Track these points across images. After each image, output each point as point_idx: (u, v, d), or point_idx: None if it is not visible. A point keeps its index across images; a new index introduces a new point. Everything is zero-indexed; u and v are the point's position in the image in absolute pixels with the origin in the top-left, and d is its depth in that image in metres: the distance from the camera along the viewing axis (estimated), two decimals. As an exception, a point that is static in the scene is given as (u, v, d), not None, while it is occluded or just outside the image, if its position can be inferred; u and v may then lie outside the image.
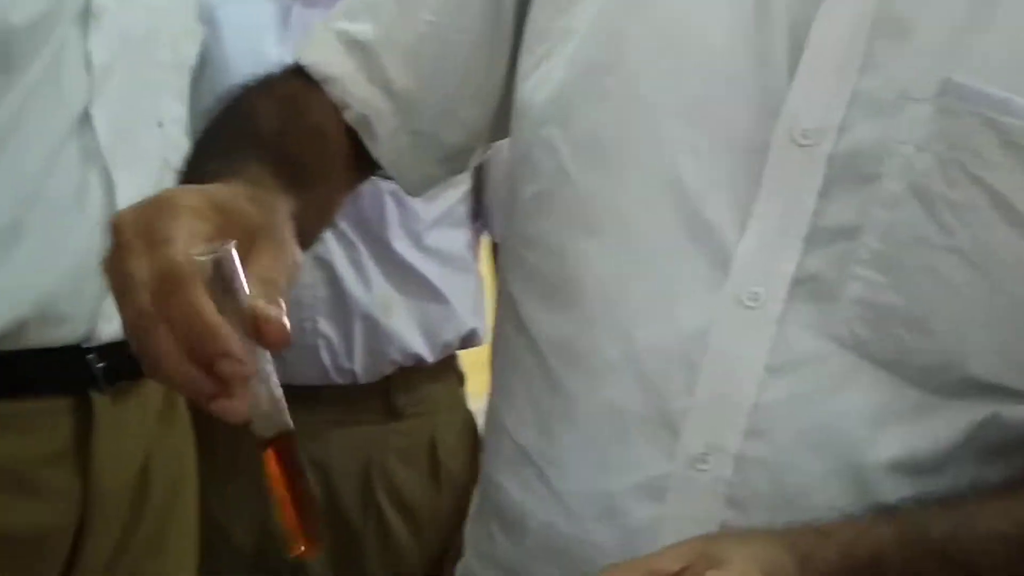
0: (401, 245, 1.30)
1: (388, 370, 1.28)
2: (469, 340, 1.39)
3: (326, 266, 1.30)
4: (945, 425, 0.70)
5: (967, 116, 0.69)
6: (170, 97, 1.11)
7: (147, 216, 0.60)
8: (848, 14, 0.71)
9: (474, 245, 1.38)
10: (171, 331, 0.57)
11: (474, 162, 0.87)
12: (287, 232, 0.64)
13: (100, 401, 1.01)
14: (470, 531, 0.83)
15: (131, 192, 1.01)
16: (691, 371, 0.69)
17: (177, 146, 1.08)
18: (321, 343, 1.30)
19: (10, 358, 0.97)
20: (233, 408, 0.58)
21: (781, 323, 0.69)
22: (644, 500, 0.68)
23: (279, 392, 0.60)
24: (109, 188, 1.01)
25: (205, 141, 0.79)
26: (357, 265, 1.27)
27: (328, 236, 1.31)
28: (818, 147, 0.69)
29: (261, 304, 0.58)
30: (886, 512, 0.66)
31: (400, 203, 1.30)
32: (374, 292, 1.28)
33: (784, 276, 0.69)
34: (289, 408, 1.20)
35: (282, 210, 0.65)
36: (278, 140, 0.77)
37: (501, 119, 0.83)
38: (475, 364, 1.35)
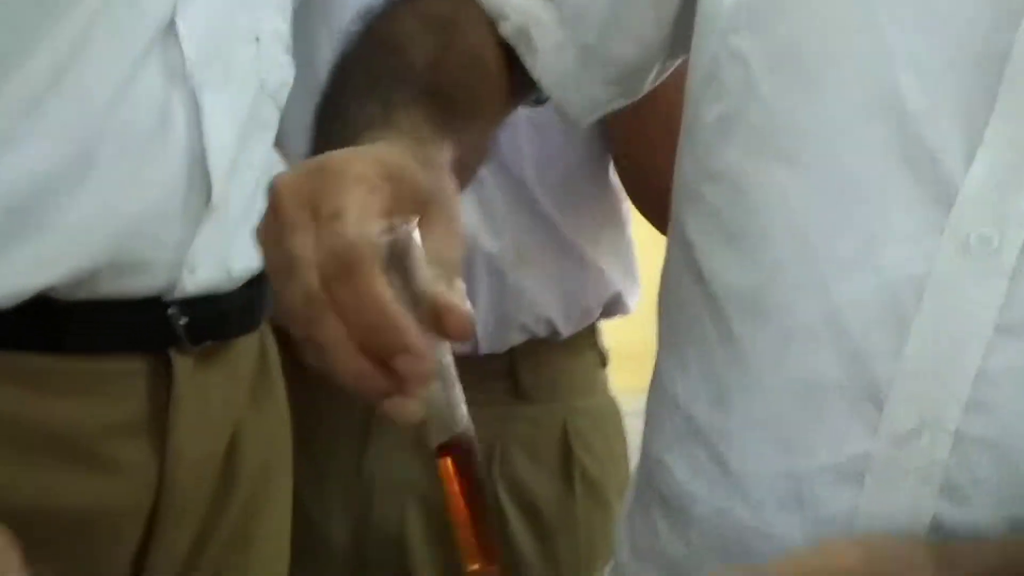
0: (538, 189, 1.21)
1: (516, 339, 1.20)
2: (613, 306, 1.30)
3: None
4: None
5: None
6: (269, 8, 1.06)
7: (312, 185, 0.59)
8: None
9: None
10: (343, 319, 0.57)
11: (649, 85, 0.86)
12: (456, 199, 0.64)
13: (182, 363, 0.98)
14: (625, 524, 0.82)
15: (221, 118, 0.99)
16: (901, 329, 0.67)
17: (276, 66, 1.05)
18: None
19: (80, 309, 0.94)
20: (408, 409, 0.58)
21: (1017, 275, 0.66)
22: (838, 485, 0.66)
23: (459, 391, 0.60)
24: (195, 114, 0.96)
25: (349, 72, 0.79)
26: (486, 207, 1.19)
27: None
28: None
29: (443, 291, 0.58)
30: None
31: (541, 137, 1.22)
32: (504, 242, 1.19)
33: (1022, 216, 0.65)
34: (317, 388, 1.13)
35: (446, 168, 0.66)
36: (432, 74, 0.76)
37: (681, 31, 0.81)
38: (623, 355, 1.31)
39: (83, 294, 0.93)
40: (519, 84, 0.83)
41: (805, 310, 0.70)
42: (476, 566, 0.62)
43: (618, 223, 1.32)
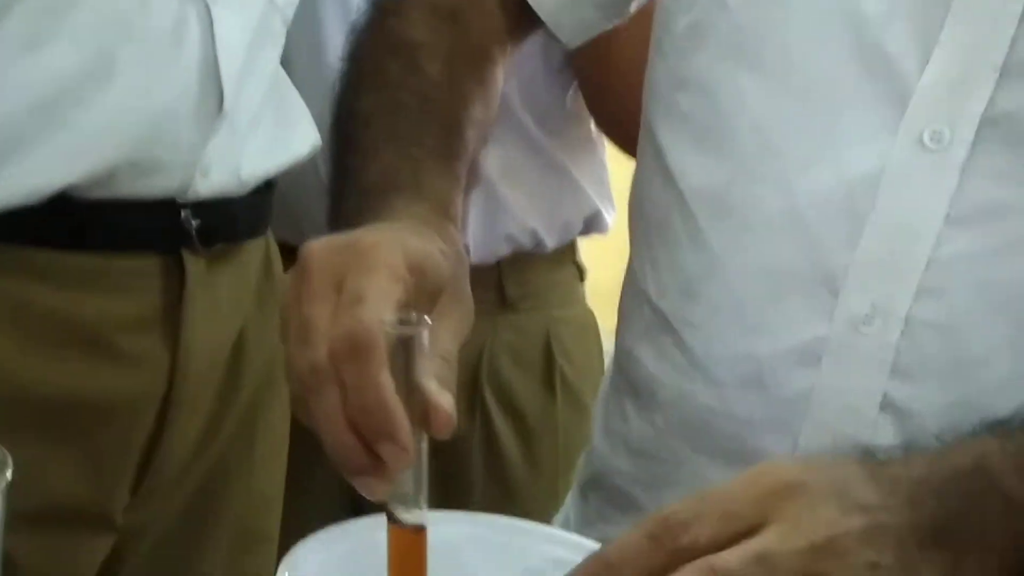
0: (522, 111, 1.26)
1: (503, 251, 1.25)
2: (593, 223, 1.33)
3: None
4: None
5: None
6: None
7: (341, 260, 0.62)
8: None
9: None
10: (341, 394, 0.59)
11: (635, 6, 0.88)
12: (467, 284, 0.67)
13: (193, 263, 1.01)
14: (599, 412, 0.84)
15: (232, 29, 1.02)
16: (857, 221, 0.69)
17: None
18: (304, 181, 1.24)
19: (99, 209, 0.97)
20: (378, 489, 0.60)
21: (966, 169, 0.68)
22: (796, 366, 0.68)
23: (424, 481, 0.62)
24: (208, 24, 0.99)
25: (363, 79, 0.82)
26: None
27: None
28: None
29: (434, 389, 0.60)
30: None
31: (523, 66, 1.25)
32: (491, 158, 1.21)
33: (973, 115, 0.67)
34: None
35: (461, 246, 0.69)
36: (448, 95, 0.80)
37: None
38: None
39: (102, 193, 0.96)
40: (520, 21, 0.86)
41: (767, 205, 0.72)
42: None
43: (594, 146, 1.36)
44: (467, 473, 1.26)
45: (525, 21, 0.87)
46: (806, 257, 0.70)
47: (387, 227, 0.68)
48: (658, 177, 0.79)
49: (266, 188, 1.07)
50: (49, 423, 0.97)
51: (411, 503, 0.62)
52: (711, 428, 0.74)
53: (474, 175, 0.80)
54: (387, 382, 0.59)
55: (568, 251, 1.35)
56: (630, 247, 0.83)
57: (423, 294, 0.64)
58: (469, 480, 1.27)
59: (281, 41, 1.09)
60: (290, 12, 1.09)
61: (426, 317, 0.62)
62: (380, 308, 0.60)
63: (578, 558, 0.63)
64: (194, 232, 1.00)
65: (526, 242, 1.25)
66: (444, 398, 0.61)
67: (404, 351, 0.61)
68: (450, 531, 0.69)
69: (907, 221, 0.69)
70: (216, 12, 0.99)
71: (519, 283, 1.27)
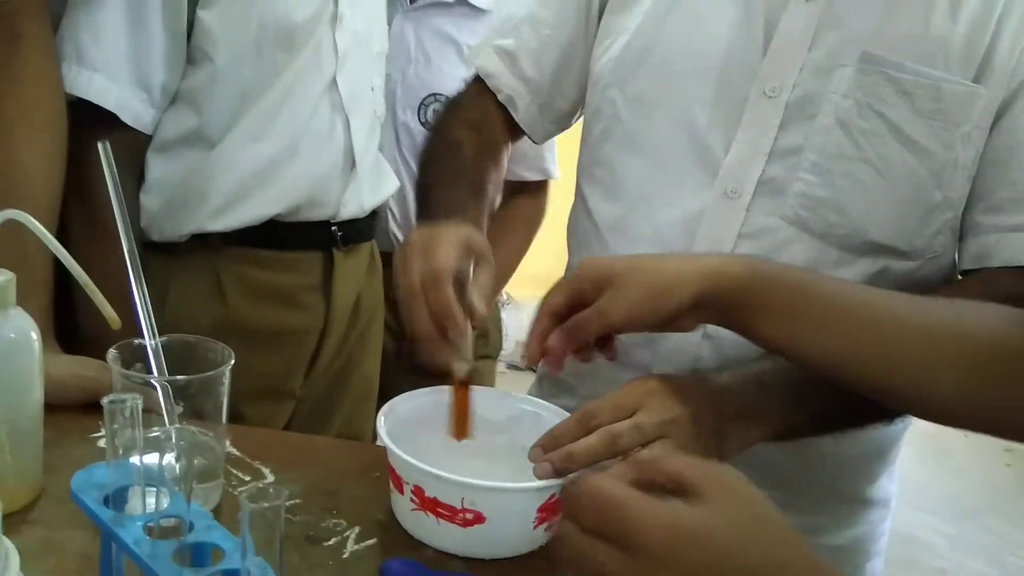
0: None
1: None
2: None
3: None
4: (854, 273, 0.86)
5: (876, 75, 0.81)
6: (377, 73, 1.39)
7: (426, 241, 0.79)
8: (803, 14, 0.84)
9: None
10: (427, 306, 0.77)
11: (574, 121, 1.09)
12: (492, 257, 0.83)
13: (338, 255, 1.34)
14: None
15: (359, 129, 1.30)
16: (691, 238, 0.88)
17: (380, 103, 1.38)
18: (386, 211, 1.53)
19: (290, 226, 1.28)
20: (447, 355, 0.77)
21: (750, 208, 0.86)
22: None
23: (471, 352, 0.79)
24: (347, 126, 1.30)
25: (432, 164, 0.97)
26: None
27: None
28: (779, 97, 0.83)
29: (477, 300, 0.78)
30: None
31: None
32: None
33: (753, 179, 0.85)
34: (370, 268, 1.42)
35: (485, 238, 0.83)
36: (476, 165, 0.96)
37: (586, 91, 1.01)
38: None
39: (292, 219, 1.26)
40: (513, 129, 1.06)
41: (643, 229, 0.89)
42: (454, 436, 0.80)
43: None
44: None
45: (516, 129, 1.06)
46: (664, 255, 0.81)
47: (450, 223, 0.81)
48: (582, 214, 0.97)
49: (374, 214, 1.40)
50: (264, 341, 1.27)
51: (464, 365, 0.79)
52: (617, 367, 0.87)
53: (491, 214, 0.95)
54: (450, 295, 0.74)
55: None
56: (568, 253, 1.03)
57: (470, 256, 0.78)
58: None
59: (379, 132, 1.39)
60: (382, 114, 1.40)
61: (470, 264, 0.76)
62: (446, 260, 0.75)
63: (543, 412, 0.82)
64: (338, 238, 1.33)
65: None
66: (480, 306, 0.75)
67: (459, 282, 0.75)
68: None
69: (718, 237, 0.84)
70: (351, 118, 1.29)
71: None
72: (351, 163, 1.31)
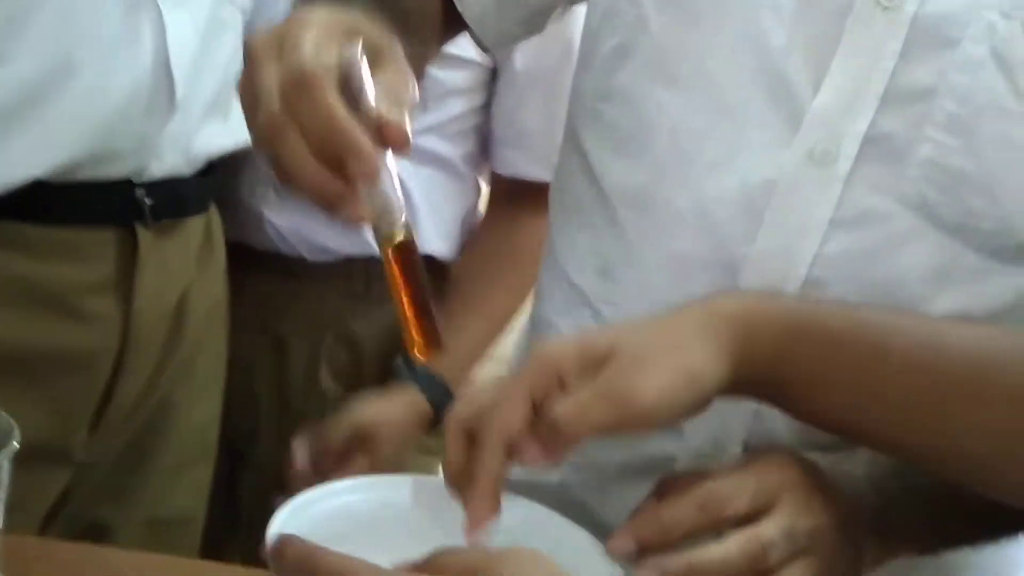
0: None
1: (337, 258, 1.22)
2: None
3: None
4: (1000, 288, 0.71)
5: None
6: None
7: (279, 32, 0.61)
8: None
9: (472, 162, 1.29)
10: (301, 133, 0.58)
11: (552, 22, 0.88)
12: (403, 55, 0.64)
13: (145, 235, 1.06)
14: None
15: (183, 30, 1.03)
16: (755, 220, 0.71)
17: None
18: (268, 212, 1.25)
19: (63, 188, 1.00)
20: (357, 210, 0.59)
21: (849, 181, 0.70)
22: None
23: (400, 197, 0.60)
24: (160, 27, 1.02)
25: None
26: None
27: None
28: (901, 9, 0.69)
29: (384, 107, 0.59)
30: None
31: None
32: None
33: (856, 134, 0.69)
34: (250, 270, 1.21)
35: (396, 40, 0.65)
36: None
37: None
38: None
39: (66, 179, 0.99)
40: (450, 20, 0.85)
41: (680, 203, 0.74)
42: (419, 353, 0.63)
43: (455, 176, 1.31)
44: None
45: (456, 22, 0.86)
46: (711, 248, 0.71)
47: (323, 6, 0.65)
48: (580, 175, 0.81)
49: (211, 170, 1.10)
50: (19, 372, 1.01)
51: (395, 218, 0.61)
52: None
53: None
54: (337, 103, 0.58)
55: None
56: (550, 230, 0.86)
57: (359, 47, 0.62)
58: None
59: (238, 29, 1.10)
60: (246, 8, 1.09)
61: (358, 46, 0.59)
62: (317, 51, 0.59)
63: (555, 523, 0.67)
64: (147, 209, 1.04)
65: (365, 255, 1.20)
66: (393, 112, 0.59)
67: (347, 80, 0.59)
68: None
69: (798, 222, 0.71)
70: (168, 15, 1.00)
71: (366, 281, 1.22)
72: (169, 89, 1.04)
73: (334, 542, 0.61)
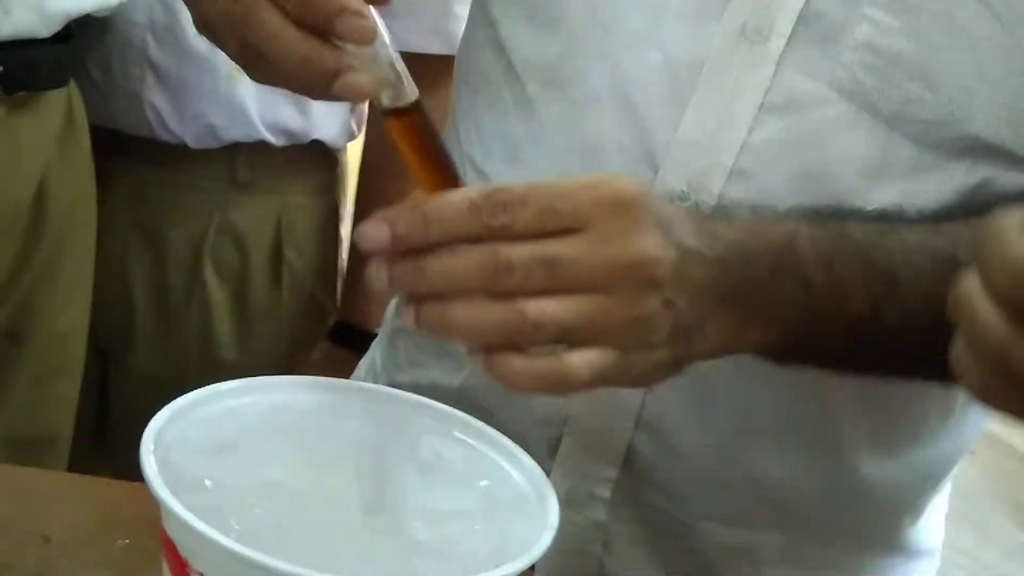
0: None
1: (221, 144, 1.12)
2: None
3: (170, 10, 1.12)
4: (938, 185, 0.68)
5: None
6: None
7: None
8: None
9: None
10: (274, 5, 0.54)
11: None
12: None
13: None
14: None
15: None
16: (679, 104, 0.67)
17: None
18: (147, 93, 1.14)
19: None
20: (358, 82, 0.55)
21: (781, 62, 0.67)
22: None
23: (398, 59, 0.56)
24: None
25: None
26: None
27: None
28: None
29: None
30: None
31: None
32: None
33: (791, 11, 0.66)
34: (120, 159, 1.11)
35: None
36: None
37: None
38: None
39: None
40: None
41: (596, 80, 0.70)
42: (431, 189, 0.58)
43: None
44: (184, 349, 1.17)
45: None
46: (629, 133, 0.68)
47: None
48: (488, 48, 0.77)
49: (70, 37, 1.01)
50: None
51: (397, 84, 0.58)
52: None
53: None
54: None
55: (316, 147, 1.20)
56: (454, 111, 0.81)
57: None
58: (186, 360, 1.18)
59: None
60: None
61: None
62: None
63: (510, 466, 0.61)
64: None
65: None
66: None
67: None
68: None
69: (725, 106, 0.68)
70: None
71: (250, 168, 1.15)
72: None
73: (220, 451, 0.58)
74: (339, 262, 1.23)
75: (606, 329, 0.54)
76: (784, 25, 0.66)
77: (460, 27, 1.15)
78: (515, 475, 0.60)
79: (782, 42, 0.67)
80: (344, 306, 1.21)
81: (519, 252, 0.53)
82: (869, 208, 0.65)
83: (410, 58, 1.16)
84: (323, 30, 0.54)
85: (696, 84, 0.67)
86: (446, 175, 0.57)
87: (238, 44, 0.55)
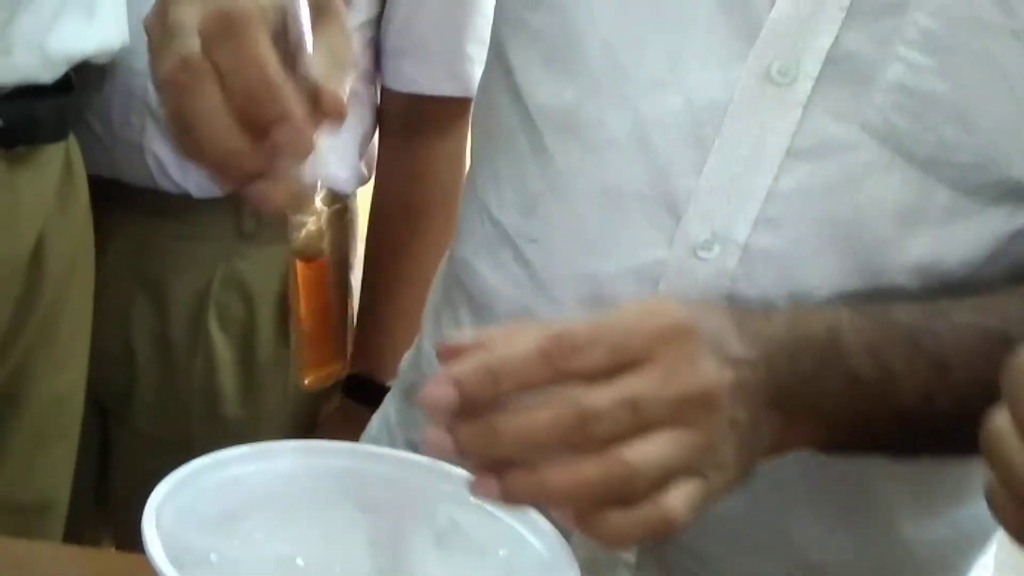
0: None
1: (225, 193, 1.12)
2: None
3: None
4: (976, 232, 0.66)
5: None
6: None
7: None
8: None
9: (368, 79, 1.19)
10: (221, 84, 0.52)
11: None
12: (346, 12, 0.59)
13: None
14: (430, 317, 0.81)
15: None
16: (702, 149, 0.66)
17: None
18: (148, 142, 1.13)
19: None
20: (270, 194, 0.53)
21: (809, 105, 0.66)
22: (634, 287, 0.66)
23: (320, 187, 0.56)
24: None
25: None
26: None
27: None
28: None
29: (324, 71, 0.54)
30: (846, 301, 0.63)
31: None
32: None
33: (818, 51, 0.65)
34: (126, 212, 1.12)
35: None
36: None
37: None
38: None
39: None
40: None
41: (614, 125, 0.69)
42: (310, 378, 0.61)
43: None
44: (187, 405, 1.15)
45: None
46: (650, 180, 0.68)
47: None
48: (505, 95, 0.76)
49: (70, 89, 1.01)
50: None
51: (308, 207, 0.57)
52: None
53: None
54: (269, 56, 0.53)
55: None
56: (471, 160, 0.80)
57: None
58: (189, 414, 1.16)
59: None
60: None
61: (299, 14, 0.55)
62: None
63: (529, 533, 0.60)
64: None
65: None
66: (333, 80, 0.55)
67: (284, 29, 0.54)
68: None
69: (750, 152, 0.67)
70: None
71: (257, 216, 1.12)
72: None
73: (226, 522, 0.57)
74: (349, 312, 1.21)
75: (692, 461, 0.55)
76: (812, 66, 0.65)
77: (473, 68, 1.14)
78: (534, 542, 0.59)
79: (810, 84, 0.65)
80: (355, 358, 1.19)
81: (601, 398, 0.53)
82: (905, 259, 0.65)
83: (423, 100, 1.20)
84: (260, 129, 0.52)
85: (720, 128, 0.66)
86: (328, 330, 0.59)
87: (172, 110, 0.53)
